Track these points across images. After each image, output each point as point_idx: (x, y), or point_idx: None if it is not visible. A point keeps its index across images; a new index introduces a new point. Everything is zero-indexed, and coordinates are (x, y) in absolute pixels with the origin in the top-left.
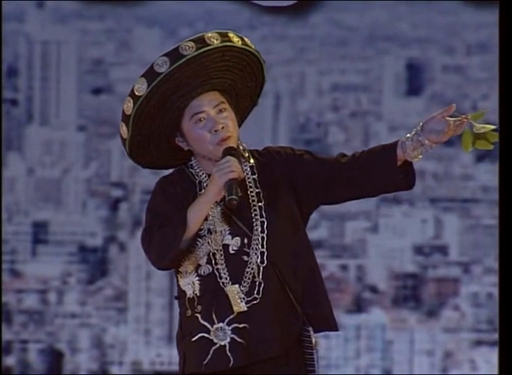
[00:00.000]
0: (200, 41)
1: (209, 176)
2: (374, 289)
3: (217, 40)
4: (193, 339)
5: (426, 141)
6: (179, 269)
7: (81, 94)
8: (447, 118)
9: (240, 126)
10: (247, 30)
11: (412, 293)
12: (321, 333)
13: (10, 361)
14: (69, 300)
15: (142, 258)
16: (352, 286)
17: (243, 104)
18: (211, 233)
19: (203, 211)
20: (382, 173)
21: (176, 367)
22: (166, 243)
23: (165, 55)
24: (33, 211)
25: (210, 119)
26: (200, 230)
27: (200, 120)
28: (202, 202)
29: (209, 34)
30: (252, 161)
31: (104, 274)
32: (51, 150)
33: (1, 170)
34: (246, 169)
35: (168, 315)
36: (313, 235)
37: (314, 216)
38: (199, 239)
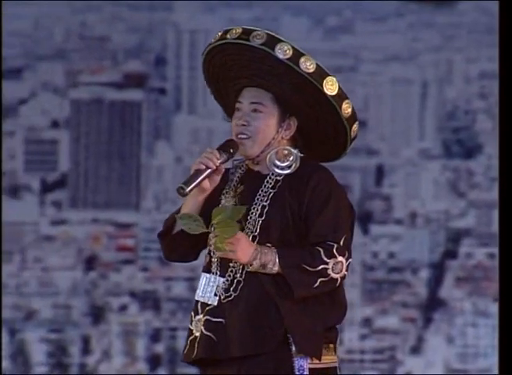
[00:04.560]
0: (272, 42)
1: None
2: None
3: (285, 53)
4: None
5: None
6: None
7: None
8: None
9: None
10: (395, 17)
11: None
12: (470, 321)
13: (159, 348)
14: None
15: None
16: None
17: (318, 133)
18: None
19: (190, 201)
20: None
21: None
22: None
23: (242, 29)
24: (181, 200)
25: (241, 112)
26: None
27: (237, 109)
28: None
29: (285, 46)
30: (279, 177)
31: None
32: (198, 138)
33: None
34: (269, 181)
35: None
36: (460, 223)
37: (461, 204)
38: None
